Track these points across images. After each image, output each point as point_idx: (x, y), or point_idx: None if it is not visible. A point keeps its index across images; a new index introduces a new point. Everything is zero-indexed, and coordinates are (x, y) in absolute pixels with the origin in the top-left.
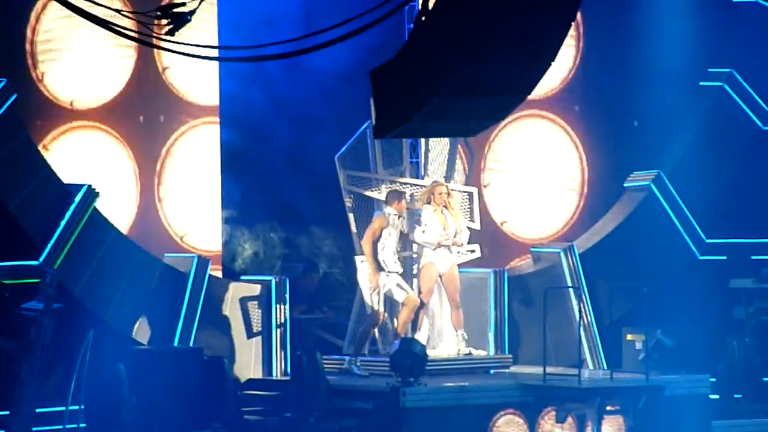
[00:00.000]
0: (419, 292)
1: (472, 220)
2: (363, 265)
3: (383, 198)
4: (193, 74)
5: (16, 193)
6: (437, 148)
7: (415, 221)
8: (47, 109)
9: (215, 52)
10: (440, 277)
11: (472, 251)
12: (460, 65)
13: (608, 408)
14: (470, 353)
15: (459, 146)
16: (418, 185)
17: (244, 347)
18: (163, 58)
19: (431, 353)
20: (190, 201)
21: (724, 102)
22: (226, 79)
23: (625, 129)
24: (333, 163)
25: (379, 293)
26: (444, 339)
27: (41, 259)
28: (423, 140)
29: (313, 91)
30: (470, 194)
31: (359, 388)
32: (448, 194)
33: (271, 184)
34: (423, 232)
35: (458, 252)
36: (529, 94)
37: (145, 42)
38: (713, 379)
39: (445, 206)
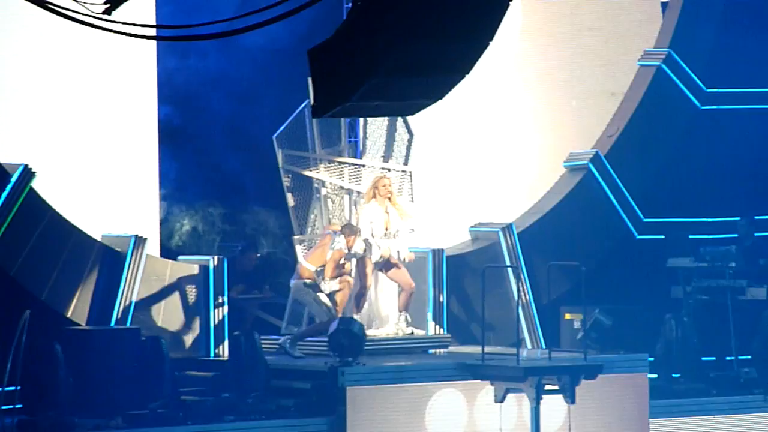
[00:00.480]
0: (361, 281)
1: (411, 200)
2: (306, 289)
3: (321, 177)
4: (129, 51)
5: None
6: (376, 128)
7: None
8: None
9: (152, 31)
10: (382, 268)
11: (412, 230)
12: (399, 44)
13: (546, 387)
14: (412, 333)
15: (397, 126)
16: (356, 165)
17: (182, 327)
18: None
19: (370, 333)
20: (127, 178)
21: (662, 82)
22: (163, 55)
23: (565, 108)
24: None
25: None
26: (383, 319)
27: None
28: (361, 120)
29: (252, 67)
30: (409, 173)
31: (297, 368)
32: (391, 186)
33: (209, 161)
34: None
35: (394, 236)
36: (468, 73)
37: (81, 21)
38: (651, 359)
39: (389, 198)
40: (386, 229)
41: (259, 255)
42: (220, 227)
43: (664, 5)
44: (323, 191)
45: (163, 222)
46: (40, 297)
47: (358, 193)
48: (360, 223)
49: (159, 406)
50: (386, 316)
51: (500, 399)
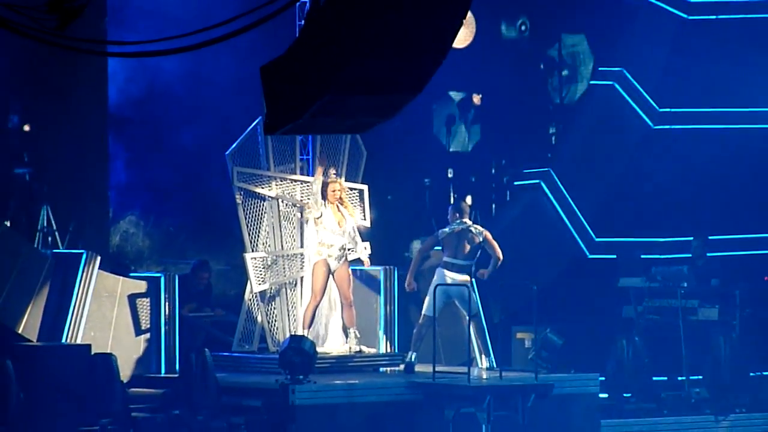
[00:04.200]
0: (311, 291)
1: (363, 218)
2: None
3: (273, 194)
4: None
5: None
6: (329, 145)
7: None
8: None
9: (104, 46)
10: (332, 274)
11: (364, 248)
12: (351, 62)
13: (498, 406)
14: (361, 351)
15: (350, 143)
16: (308, 182)
17: (133, 344)
18: None
19: (321, 350)
20: (77, 189)
21: (614, 101)
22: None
23: (517, 125)
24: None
25: None
26: (334, 336)
27: None
28: (314, 137)
29: (212, 81)
30: (360, 191)
31: (248, 385)
32: (341, 190)
33: (167, 184)
34: (317, 231)
35: (349, 249)
36: (420, 91)
37: (35, 37)
38: (602, 378)
39: (340, 202)
40: (339, 226)
41: (209, 275)
42: (171, 247)
43: (617, 24)
44: (275, 208)
45: (115, 236)
46: None
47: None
48: (307, 228)
49: (109, 423)
50: (335, 332)
51: (451, 418)
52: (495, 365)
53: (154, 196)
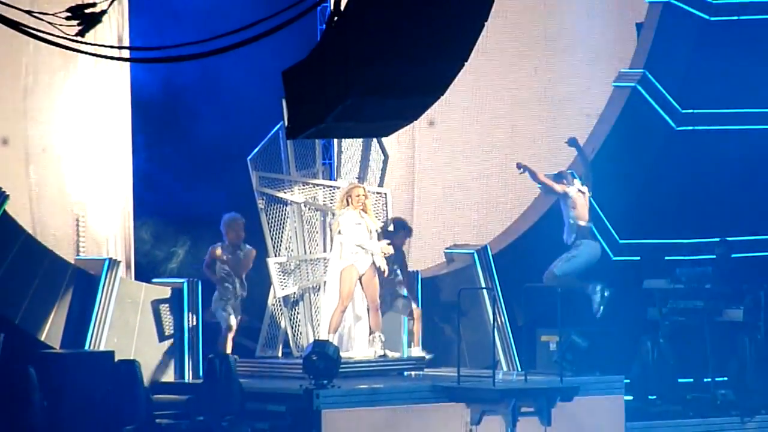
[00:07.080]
0: (339, 296)
1: (387, 222)
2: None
3: (295, 199)
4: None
5: None
6: (350, 149)
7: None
8: None
9: (126, 52)
10: (359, 279)
11: (382, 252)
12: (372, 66)
13: (522, 409)
14: (385, 355)
15: (372, 147)
16: (331, 187)
17: (156, 350)
18: None
19: (345, 355)
20: (99, 195)
21: (637, 103)
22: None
23: (539, 130)
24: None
25: None
26: (358, 341)
27: None
28: (336, 141)
29: (231, 88)
30: (384, 195)
31: (272, 390)
32: (365, 196)
33: (185, 190)
34: (339, 233)
35: (373, 254)
36: (442, 94)
37: (55, 43)
38: (627, 380)
39: (363, 209)
40: (368, 231)
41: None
42: (193, 253)
43: (638, 26)
44: (298, 213)
45: (138, 244)
46: (13, 320)
47: (333, 214)
48: (344, 230)
49: (134, 430)
50: (359, 336)
51: (476, 422)
52: (519, 368)
53: (184, 207)
